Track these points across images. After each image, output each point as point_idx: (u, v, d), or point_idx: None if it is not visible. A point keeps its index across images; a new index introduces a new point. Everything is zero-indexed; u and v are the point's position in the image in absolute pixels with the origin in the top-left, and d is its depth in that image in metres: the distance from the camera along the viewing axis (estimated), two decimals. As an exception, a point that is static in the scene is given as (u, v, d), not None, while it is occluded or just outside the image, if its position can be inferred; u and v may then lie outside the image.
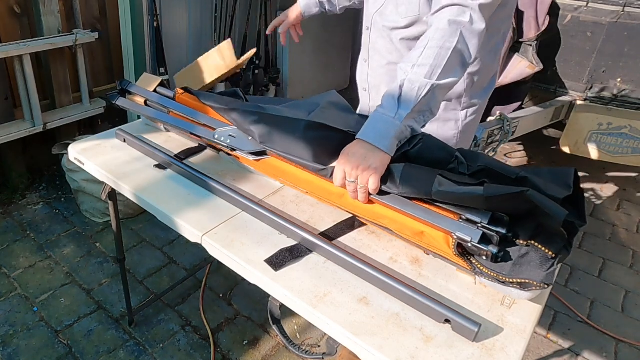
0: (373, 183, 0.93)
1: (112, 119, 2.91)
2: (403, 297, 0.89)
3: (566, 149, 2.86)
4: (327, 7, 1.62)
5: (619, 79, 2.63)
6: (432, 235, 0.90)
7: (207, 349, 1.83)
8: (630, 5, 2.48)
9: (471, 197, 0.85)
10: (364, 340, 0.82)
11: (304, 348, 1.69)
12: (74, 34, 2.47)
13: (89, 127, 2.88)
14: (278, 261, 0.98)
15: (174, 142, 1.42)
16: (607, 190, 3.19)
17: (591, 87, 2.71)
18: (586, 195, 3.10)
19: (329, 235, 1.05)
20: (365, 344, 0.81)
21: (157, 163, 1.30)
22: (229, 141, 1.20)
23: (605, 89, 2.69)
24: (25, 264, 2.17)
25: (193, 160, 1.33)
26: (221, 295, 2.09)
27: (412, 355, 0.80)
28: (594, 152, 2.79)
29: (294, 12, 1.64)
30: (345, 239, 1.06)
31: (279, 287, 0.93)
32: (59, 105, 2.62)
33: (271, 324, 1.19)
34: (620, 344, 2.00)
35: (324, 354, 1.30)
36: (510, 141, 3.00)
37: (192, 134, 1.30)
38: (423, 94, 0.96)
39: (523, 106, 2.86)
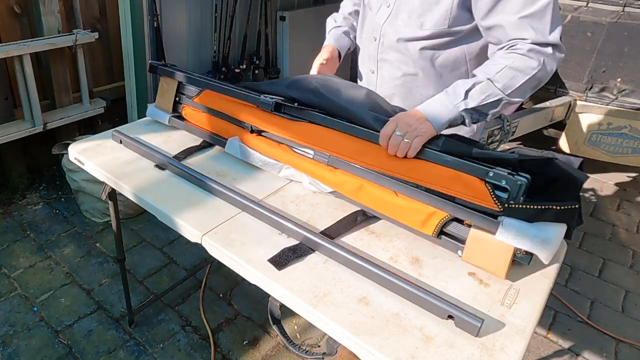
0: (417, 142, 1.02)
1: (112, 119, 2.91)
2: (406, 294, 0.90)
3: (566, 149, 2.86)
4: (351, 35, 1.50)
5: (619, 79, 2.63)
6: (467, 179, 0.97)
7: (207, 349, 1.83)
8: (630, 5, 2.48)
9: (506, 160, 0.94)
10: (364, 340, 0.82)
11: (304, 348, 1.69)
12: (74, 34, 2.47)
13: (89, 127, 2.88)
14: (281, 260, 0.98)
15: (174, 142, 1.42)
16: (607, 190, 3.19)
17: (591, 87, 2.71)
18: (586, 195, 3.10)
19: (330, 234, 1.05)
20: (365, 344, 0.81)
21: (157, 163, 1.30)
22: (273, 100, 1.22)
23: (605, 89, 2.69)
24: (25, 264, 2.17)
25: (193, 160, 1.33)
26: (221, 295, 2.09)
27: (412, 355, 0.80)
28: (594, 152, 2.79)
29: (324, 57, 1.40)
30: (346, 239, 1.06)
31: (279, 287, 0.93)
32: (59, 105, 2.62)
33: (271, 324, 1.20)
34: (620, 344, 2.00)
35: (324, 354, 1.30)
36: (510, 141, 3.00)
37: (234, 95, 1.33)
38: (490, 100, 1.05)
39: (523, 106, 2.86)
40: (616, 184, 3.25)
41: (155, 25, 2.59)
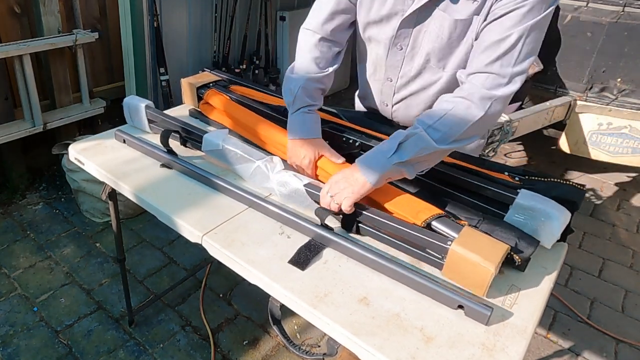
0: (346, 205, 1.00)
1: (112, 119, 2.91)
2: (419, 287, 0.91)
3: (566, 149, 2.86)
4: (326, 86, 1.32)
5: (619, 79, 2.63)
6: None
7: (207, 349, 1.83)
8: (630, 5, 2.48)
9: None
10: (364, 341, 0.82)
11: (304, 348, 1.68)
12: (74, 34, 2.47)
13: (89, 127, 2.88)
14: (301, 259, 0.98)
15: (174, 143, 1.42)
16: (607, 190, 3.19)
17: (591, 87, 2.71)
18: (586, 195, 3.10)
19: (329, 226, 1.06)
20: (366, 344, 0.81)
21: (161, 163, 1.30)
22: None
23: (605, 89, 2.68)
24: (25, 264, 2.17)
25: (194, 162, 1.33)
26: (221, 295, 2.09)
27: (412, 356, 0.79)
28: (594, 152, 2.79)
29: (315, 150, 1.17)
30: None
31: (279, 287, 0.93)
32: (59, 105, 2.62)
33: (271, 324, 1.19)
34: (620, 344, 2.00)
35: (324, 354, 1.30)
36: (510, 141, 2.99)
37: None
38: (425, 153, 0.99)
39: (523, 106, 2.86)
40: (616, 184, 3.25)
41: (155, 25, 2.59)
